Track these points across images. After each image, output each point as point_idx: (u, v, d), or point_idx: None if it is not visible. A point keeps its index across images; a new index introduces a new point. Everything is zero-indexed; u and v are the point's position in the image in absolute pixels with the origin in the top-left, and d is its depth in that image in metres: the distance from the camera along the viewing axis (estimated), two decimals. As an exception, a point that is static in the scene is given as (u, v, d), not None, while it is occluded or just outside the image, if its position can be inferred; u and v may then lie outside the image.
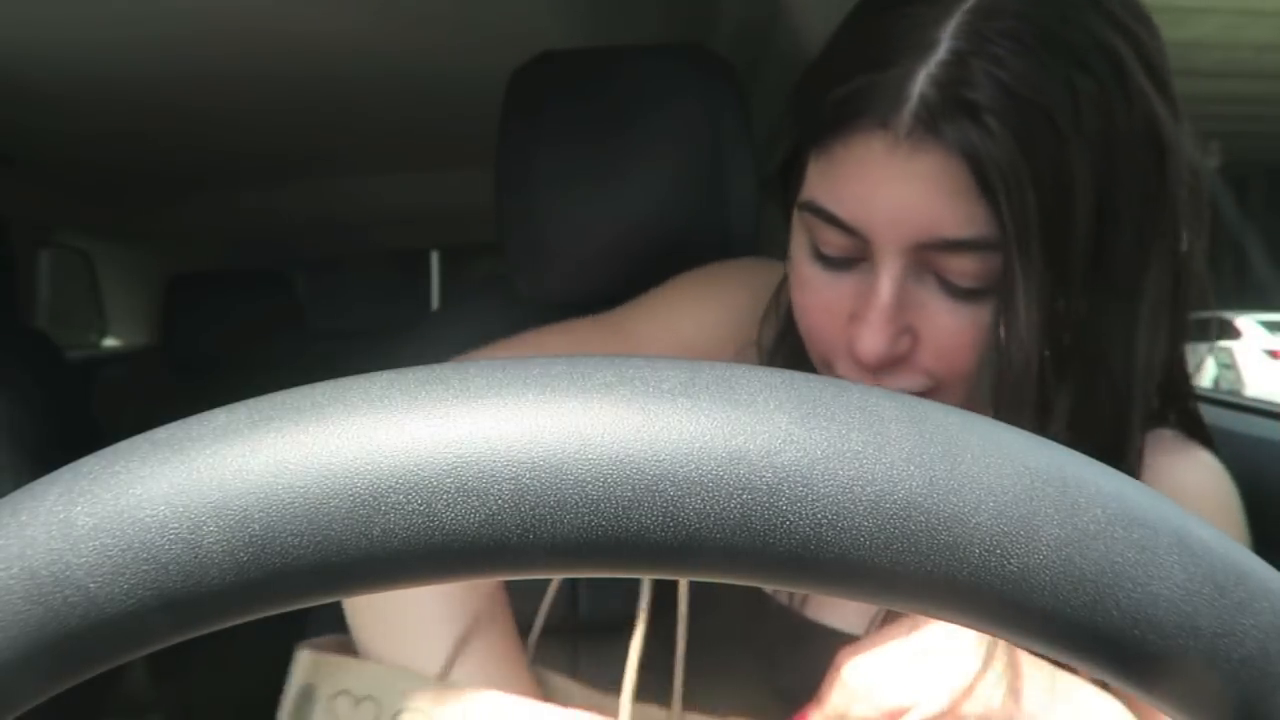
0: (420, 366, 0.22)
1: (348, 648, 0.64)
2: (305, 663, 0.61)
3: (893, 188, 0.59)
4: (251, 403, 0.22)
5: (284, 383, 0.23)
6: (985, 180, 0.57)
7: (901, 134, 0.58)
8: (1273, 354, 10.27)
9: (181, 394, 1.82)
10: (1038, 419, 0.61)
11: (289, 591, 0.21)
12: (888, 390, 0.22)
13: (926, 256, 0.60)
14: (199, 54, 1.20)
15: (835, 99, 0.61)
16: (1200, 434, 0.72)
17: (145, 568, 0.20)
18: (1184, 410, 0.72)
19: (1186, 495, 0.67)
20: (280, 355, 2.19)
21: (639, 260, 0.92)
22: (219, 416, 0.22)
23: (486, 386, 0.21)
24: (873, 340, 0.60)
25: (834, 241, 0.62)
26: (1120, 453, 0.65)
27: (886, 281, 0.60)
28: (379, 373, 0.22)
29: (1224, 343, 10.54)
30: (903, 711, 0.56)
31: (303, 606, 0.22)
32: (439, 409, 0.21)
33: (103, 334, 2.74)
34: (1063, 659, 0.22)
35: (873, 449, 0.21)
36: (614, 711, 0.61)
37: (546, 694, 0.70)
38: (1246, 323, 10.67)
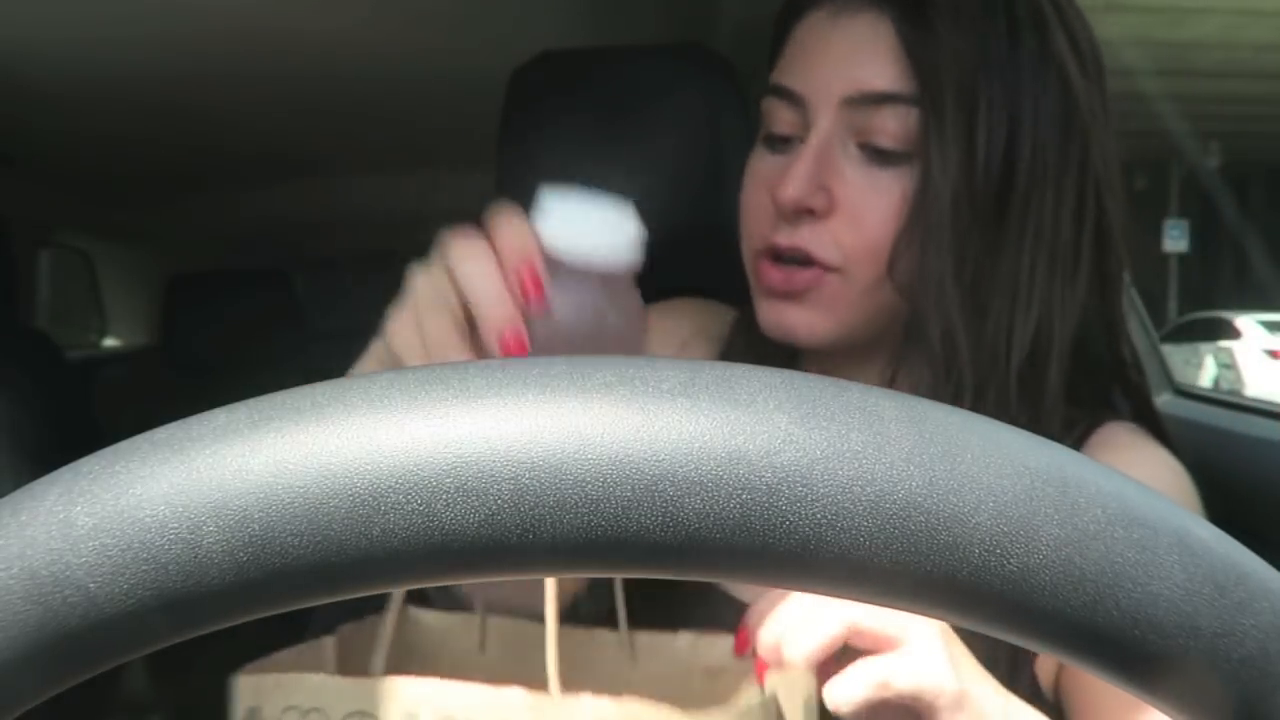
0: (420, 366, 0.22)
1: (286, 665, 0.63)
2: (247, 688, 0.60)
3: (830, 48, 0.70)
4: (251, 403, 0.22)
5: (284, 383, 0.23)
6: (910, 44, 0.67)
7: (843, 3, 0.70)
8: (1273, 354, 10.27)
9: (181, 394, 1.82)
10: (959, 299, 0.67)
11: (289, 591, 0.21)
12: (887, 391, 0.22)
13: (854, 119, 0.69)
14: (198, 54, 1.20)
15: None
16: (1158, 431, 0.76)
17: (145, 568, 0.20)
18: (1141, 404, 0.77)
19: None
20: (280, 355, 2.19)
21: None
22: (219, 416, 0.22)
23: (486, 386, 0.21)
24: (794, 183, 0.68)
25: (781, 117, 0.72)
26: (1038, 400, 0.69)
27: (814, 137, 0.69)
28: (379, 372, 0.22)
29: (1224, 343, 10.54)
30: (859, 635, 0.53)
31: (303, 606, 0.22)
32: (439, 409, 0.21)
33: (103, 334, 2.74)
34: (1063, 659, 0.22)
35: (872, 449, 0.21)
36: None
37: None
38: (1246, 323, 10.67)
